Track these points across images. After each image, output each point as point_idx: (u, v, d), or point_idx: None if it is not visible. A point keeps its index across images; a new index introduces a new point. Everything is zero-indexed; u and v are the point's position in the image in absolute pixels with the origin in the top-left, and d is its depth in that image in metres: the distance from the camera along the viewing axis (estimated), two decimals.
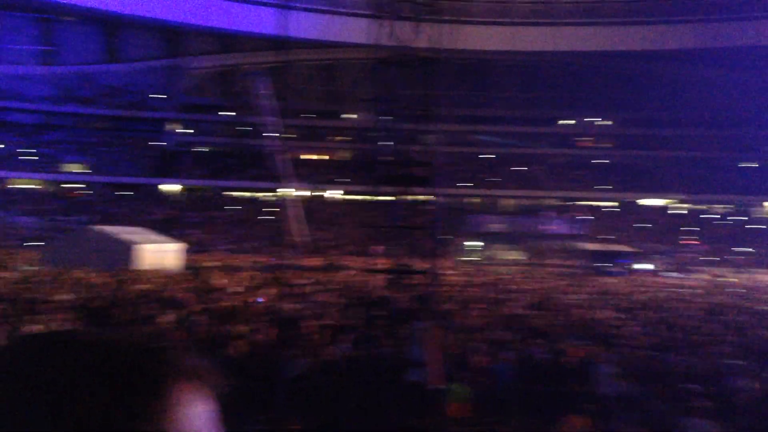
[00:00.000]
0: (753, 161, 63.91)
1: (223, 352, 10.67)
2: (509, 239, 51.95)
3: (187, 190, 62.30)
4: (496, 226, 54.07)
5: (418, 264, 20.02)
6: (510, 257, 49.60)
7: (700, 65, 60.99)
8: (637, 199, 62.71)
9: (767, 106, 59.92)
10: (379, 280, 21.70)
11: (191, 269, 29.57)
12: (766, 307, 22.43)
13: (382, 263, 23.57)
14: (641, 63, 64.29)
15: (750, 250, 52.37)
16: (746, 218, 60.08)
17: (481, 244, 51.76)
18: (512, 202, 62.87)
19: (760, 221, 59.02)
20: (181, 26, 64.00)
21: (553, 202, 61.68)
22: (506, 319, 16.28)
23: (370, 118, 48.93)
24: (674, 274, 40.69)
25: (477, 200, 62.49)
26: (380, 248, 28.41)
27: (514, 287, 26.54)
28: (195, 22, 62.83)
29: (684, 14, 61.49)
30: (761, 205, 61.62)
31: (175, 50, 67.63)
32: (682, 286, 31.19)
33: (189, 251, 35.85)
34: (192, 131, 68.70)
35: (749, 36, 57.63)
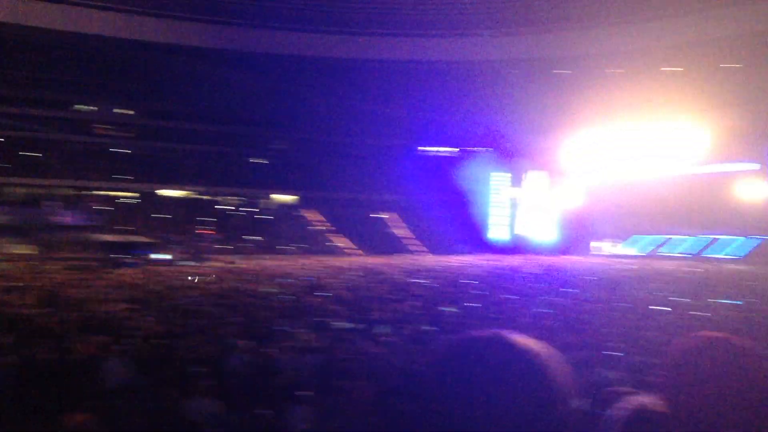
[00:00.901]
0: (261, 158, 71.23)
1: None
2: (15, 232, 46.93)
3: None
4: None
5: None
6: (15, 252, 44.77)
7: (218, 65, 64.65)
8: (157, 190, 63.52)
9: (276, 109, 67.26)
10: None
11: None
12: (269, 289, 25.08)
13: None
14: (162, 56, 64.85)
15: (257, 238, 58.85)
16: (254, 209, 67.17)
17: None
18: (19, 190, 56.59)
19: (266, 212, 66.98)
20: None
21: (67, 191, 57.82)
22: (5, 321, 14.61)
23: None
24: (190, 263, 42.52)
25: None
26: None
27: (17, 284, 24.09)
28: None
29: (203, 14, 64.59)
30: (268, 198, 69.20)
31: None
32: (197, 274, 32.78)
33: None
34: None
35: (264, 43, 63.55)
